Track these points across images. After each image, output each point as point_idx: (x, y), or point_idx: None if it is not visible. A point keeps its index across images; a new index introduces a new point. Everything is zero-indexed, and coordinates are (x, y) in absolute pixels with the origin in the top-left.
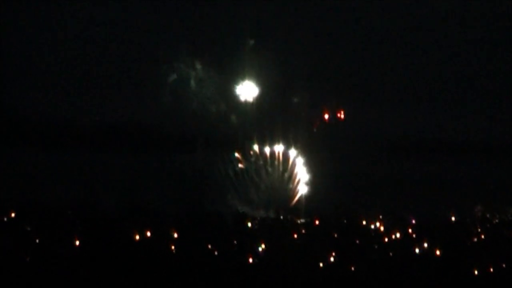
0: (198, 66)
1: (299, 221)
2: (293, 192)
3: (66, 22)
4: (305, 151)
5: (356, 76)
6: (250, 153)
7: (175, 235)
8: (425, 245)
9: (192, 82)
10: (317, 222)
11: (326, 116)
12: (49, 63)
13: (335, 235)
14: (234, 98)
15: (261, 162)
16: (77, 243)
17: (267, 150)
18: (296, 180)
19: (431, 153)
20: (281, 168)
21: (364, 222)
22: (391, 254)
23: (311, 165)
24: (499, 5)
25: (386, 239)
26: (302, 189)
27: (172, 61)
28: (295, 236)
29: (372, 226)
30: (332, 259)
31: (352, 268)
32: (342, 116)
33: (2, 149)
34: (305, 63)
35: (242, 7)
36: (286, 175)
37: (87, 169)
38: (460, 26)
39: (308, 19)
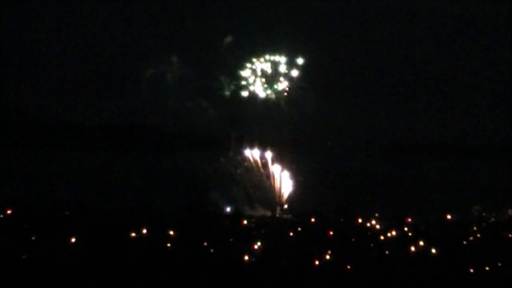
0: (193, 66)
1: (295, 219)
2: (288, 190)
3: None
4: (300, 150)
5: (356, 78)
6: (245, 153)
7: (172, 233)
8: (421, 243)
9: (185, 82)
10: (313, 220)
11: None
12: (52, 65)
13: (331, 233)
14: (230, 98)
15: (255, 162)
16: (73, 240)
17: (261, 149)
18: (291, 178)
19: (429, 153)
20: (275, 167)
21: (360, 221)
22: (387, 252)
23: (307, 164)
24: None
25: (382, 238)
26: (298, 188)
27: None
28: (291, 234)
29: (368, 225)
30: (328, 257)
31: (348, 267)
32: None
33: (4, 148)
34: (299, 60)
35: (223, 4)
36: (281, 174)
37: (84, 169)
38: (468, 33)
39: (300, 14)
